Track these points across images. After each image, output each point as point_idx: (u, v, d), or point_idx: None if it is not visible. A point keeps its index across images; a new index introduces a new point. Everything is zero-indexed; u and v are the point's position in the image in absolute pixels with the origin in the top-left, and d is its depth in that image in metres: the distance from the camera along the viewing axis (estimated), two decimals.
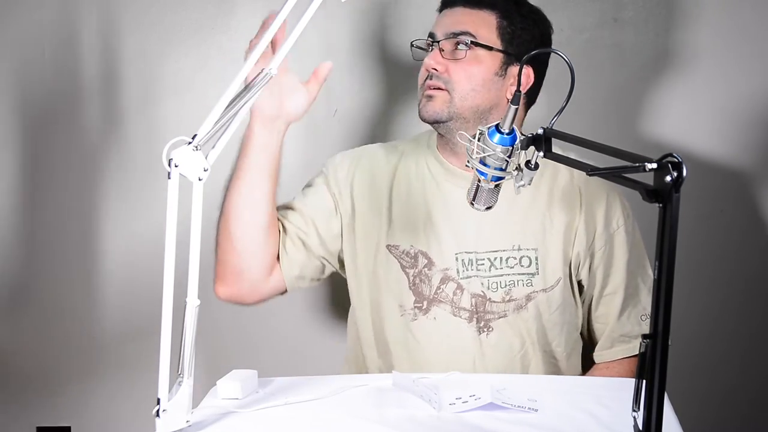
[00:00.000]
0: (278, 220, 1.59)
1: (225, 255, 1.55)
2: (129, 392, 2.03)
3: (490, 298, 1.58)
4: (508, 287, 1.57)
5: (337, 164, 1.66)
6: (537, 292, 1.58)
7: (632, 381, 1.04)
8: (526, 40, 1.55)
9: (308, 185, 1.67)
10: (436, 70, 1.54)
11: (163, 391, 1.15)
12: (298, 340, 2.04)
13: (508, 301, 1.57)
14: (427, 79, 1.56)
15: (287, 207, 1.63)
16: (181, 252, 1.15)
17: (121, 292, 2.02)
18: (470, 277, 1.58)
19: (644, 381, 1.00)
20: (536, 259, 1.58)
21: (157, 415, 1.15)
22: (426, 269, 1.59)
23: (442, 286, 1.59)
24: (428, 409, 1.26)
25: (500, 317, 1.58)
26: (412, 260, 1.60)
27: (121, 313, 2.03)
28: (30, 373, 2.06)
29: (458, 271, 1.58)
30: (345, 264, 1.65)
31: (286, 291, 1.64)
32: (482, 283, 1.57)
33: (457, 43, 1.54)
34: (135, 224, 1.99)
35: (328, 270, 1.67)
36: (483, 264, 1.58)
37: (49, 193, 2.01)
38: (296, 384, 1.38)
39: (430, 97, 1.55)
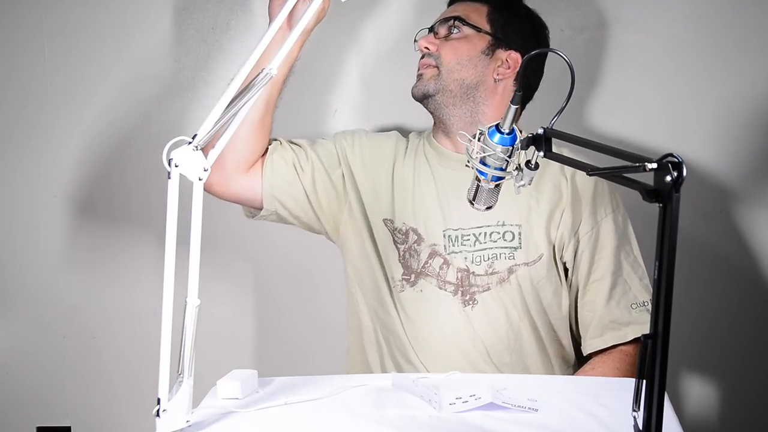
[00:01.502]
0: (277, 140, 1.68)
1: None
2: (129, 392, 2.03)
3: (473, 272, 1.64)
4: (491, 260, 1.63)
5: (346, 134, 1.76)
6: (519, 265, 1.63)
7: (632, 381, 1.04)
8: (516, 29, 1.66)
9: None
10: (428, 49, 1.67)
11: (163, 391, 1.15)
12: (298, 340, 2.04)
13: (491, 273, 1.63)
14: (420, 59, 1.69)
15: (294, 141, 1.71)
16: (181, 252, 1.16)
17: (121, 290, 2.02)
18: (456, 252, 1.64)
19: (644, 381, 1.00)
20: (519, 234, 1.63)
21: (157, 415, 1.15)
22: (415, 245, 1.67)
23: (429, 261, 1.66)
24: (428, 409, 1.26)
25: (484, 290, 1.64)
26: (403, 236, 1.68)
27: (122, 312, 2.03)
28: (30, 373, 2.06)
29: (445, 247, 1.65)
30: (346, 233, 1.71)
31: (259, 211, 1.67)
32: (466, 258, 1.64)
33: (449, 27, 1.66)
34: (135, 223, 1.99)
35: (306, 210, 1.69)
36: (468, 239, 1.64)
37: (50, 194, 2.01)
38: (296, 384, 1.38)
39: (420, 76, 1.68)
